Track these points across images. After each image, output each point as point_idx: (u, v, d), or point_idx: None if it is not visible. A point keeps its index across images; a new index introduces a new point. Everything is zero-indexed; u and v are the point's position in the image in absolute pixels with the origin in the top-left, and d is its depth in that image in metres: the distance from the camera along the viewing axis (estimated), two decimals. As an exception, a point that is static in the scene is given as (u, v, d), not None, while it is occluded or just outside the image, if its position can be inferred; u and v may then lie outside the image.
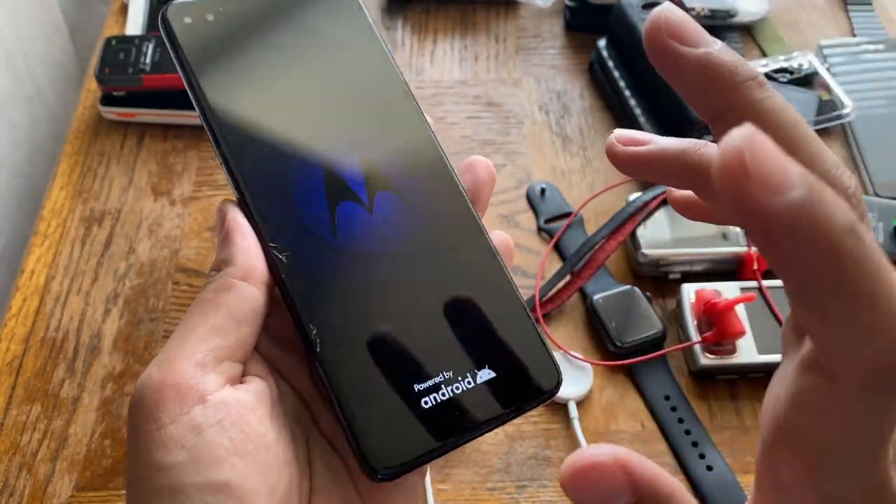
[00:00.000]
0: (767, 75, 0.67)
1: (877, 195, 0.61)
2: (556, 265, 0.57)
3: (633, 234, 0.56)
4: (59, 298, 0.55)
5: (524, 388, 0.28)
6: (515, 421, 0.50)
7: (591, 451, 0.18)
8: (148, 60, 0.63)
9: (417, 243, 0.29)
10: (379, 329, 0.27)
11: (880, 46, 0.70)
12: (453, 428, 0.26)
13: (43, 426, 0.50)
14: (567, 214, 0.60)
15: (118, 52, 0.64)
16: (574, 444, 0.49)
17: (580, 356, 0.52)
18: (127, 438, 0.25)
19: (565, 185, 0.62)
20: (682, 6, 0.66)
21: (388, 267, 0.28)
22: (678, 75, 0.21)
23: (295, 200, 0.28)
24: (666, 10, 0.20)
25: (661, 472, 0.18)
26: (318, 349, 0.26)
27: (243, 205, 0.28)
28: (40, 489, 0.47)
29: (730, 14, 0.70)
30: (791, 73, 0.67)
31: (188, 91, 0.29)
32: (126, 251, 0.58)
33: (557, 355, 0.52)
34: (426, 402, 0.26)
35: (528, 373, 0.28)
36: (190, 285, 0.56)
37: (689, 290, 0.53)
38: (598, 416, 0.51)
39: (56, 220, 0.60)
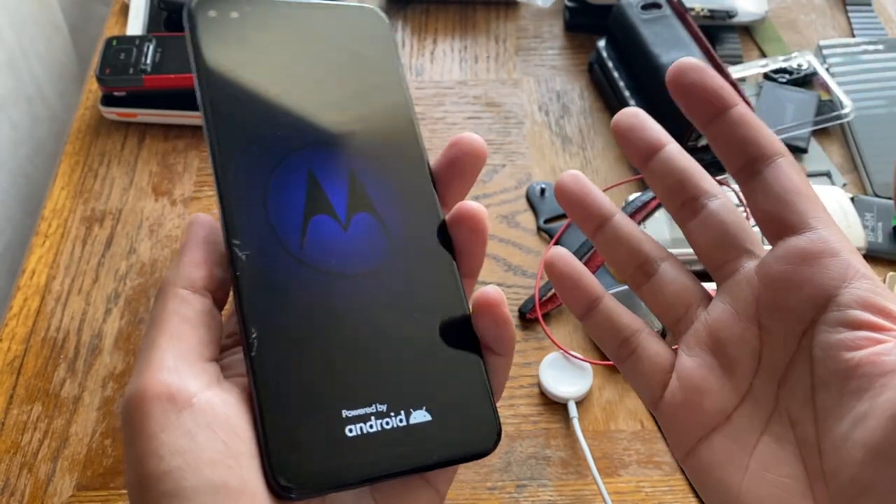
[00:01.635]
0: (766, 76, 0.67)
1: (876, 195, 0.61)
2: (556, 265, 0.57)
3: (632, 234, 0.56)
4: (60, 298, 0.55)
5: (457, 441, 0.26)
6: (515, 420, 0.50)
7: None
8: (149, 61, 0.63)
9: (384, 271, 0.28)
10: (320, 346, 0.26)
11: (880, 46, 0.71)
12: (371, 464, 0.25)
13: (44, 426, 0.50)
14: (567, 214, 0.60)
15: (119, 52, 0.64)
16: (574, 444, 0.49)
17: (580, 356, 0.52)
18: (124, 458, 0.25)
19: (565, 185, 0.62)
20: (682, 6, 0.66)
21: (348, 287, 0.27)
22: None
23: (271, 204, 0.27)
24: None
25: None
26: (253, 352, 0.25)
27: (219, 200, 0.27)
28: (41, 489, 0.47)
29: (729, 14, 0.70)
30: (790, 73, 0.67)
31: (195, 84, 0.28)
32: (127, 251, 0.58)
33: (557, 355, 0.52)
34: (350, 430, 0.25)
35: (465, 426, 0.27)
36: (190, 285, 0.56)
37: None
38: (597, 415, 0.51)
39: (57, 220, 0.60)
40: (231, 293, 0.27)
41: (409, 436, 0.26)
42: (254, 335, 0.25)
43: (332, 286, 0.27)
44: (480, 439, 0.27)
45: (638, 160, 0.30)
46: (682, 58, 0.28)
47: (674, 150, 0.29)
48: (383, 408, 0.26)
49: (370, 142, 0.30)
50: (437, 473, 0.28)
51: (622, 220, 0.30)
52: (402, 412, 0.26)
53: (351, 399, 0.26)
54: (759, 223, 0.27)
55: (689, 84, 0.27)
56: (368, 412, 0.26)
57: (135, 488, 0.24)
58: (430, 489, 0.28)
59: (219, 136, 0.28)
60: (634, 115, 0.30)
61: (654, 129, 0.30)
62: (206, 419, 0.24)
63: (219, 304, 0.28)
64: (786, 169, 0.27)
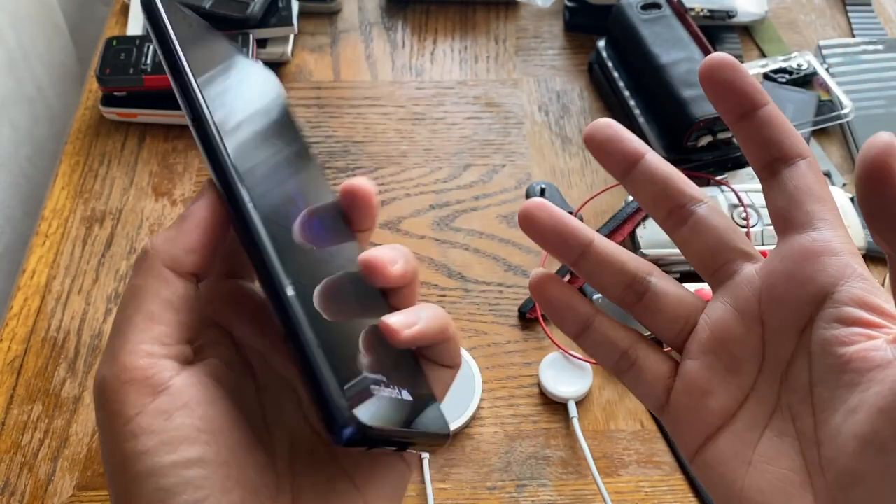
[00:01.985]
0: (766, 76, 0.67)
1: (876, 195, 0.61)
2: (556, 265, 0.57)
3: (632, 234, 0.56)
4: (61, 298, 0.55)
5: (430, 423, 0.28)
6: (514, 420, 0.50)
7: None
8: (149, 61, 0.63)
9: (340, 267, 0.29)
10: (336, 308, 0.27)
11: (879, 47, 0.71)
12: (401, 423, 0.26)
13: (44, 426, 0.50)
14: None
15: (119, 52, 0.64)
16: (574, 444, 0.49)
17: (580, 356, 0.52)
18: (99, 438, 0.26)
19: (565, 185, 0.62)
20: (682, 6, 0.66)
21: (329, 267, 0.28)
22: None
23: (266, 188, 0.28)
24: None
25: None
26: (290, 310, 0.25)
27: (226, 174, 0.27)
28: (41, 488, 0.47)
29: (729, 14, 0.70)
30: (790, 73, 0.67)
31: (166, 62, 0.28)
32: (127, 251, 0.58)
33: (557, 355, 0.52)
34: (374, 391, 0.26)
35: (430, 413, 0.28)
36: (191, 285, 0.56)
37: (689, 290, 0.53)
38: (597, 415, 0.51)
39: (57, 220, 0.60)
40: (244, 255, 0.27)
41: (406, 408, 0.27)
42: (290, 293, 0.25)
43: (327, 263, 0.28)
44: (442, 427, 0.29)
45: (618, 172, 0.30)
46: (716, 53, 0.28)
47: (653, 159, 0.29)
48: (384, 379, 0.27)
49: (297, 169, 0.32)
50: (392, 461, 0.29)
51: (602, 243, 0.30)
52: (397, 386, 0.27)
53: (367, 364, 0.26)
54: (772, 221, 0.28)
55: (720, 81, 0.28)
56: (380, 379, 0.26)
57: (113, 469, 0.25)
58: (401, 462, 0.29)
59: (216, 125, 0.27)
60: (608, 125, 0.29)
61: (632, 140, 0.29)
62: (183, 399, 0.25)
63: (201, 280, 0.28)
64: (803, 170, 0.27)
